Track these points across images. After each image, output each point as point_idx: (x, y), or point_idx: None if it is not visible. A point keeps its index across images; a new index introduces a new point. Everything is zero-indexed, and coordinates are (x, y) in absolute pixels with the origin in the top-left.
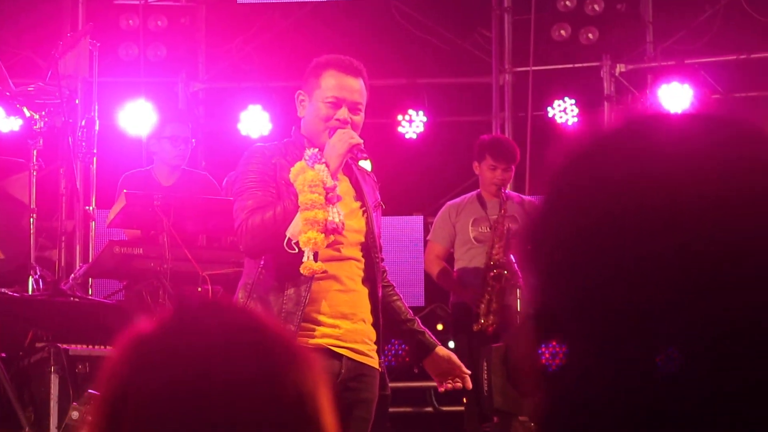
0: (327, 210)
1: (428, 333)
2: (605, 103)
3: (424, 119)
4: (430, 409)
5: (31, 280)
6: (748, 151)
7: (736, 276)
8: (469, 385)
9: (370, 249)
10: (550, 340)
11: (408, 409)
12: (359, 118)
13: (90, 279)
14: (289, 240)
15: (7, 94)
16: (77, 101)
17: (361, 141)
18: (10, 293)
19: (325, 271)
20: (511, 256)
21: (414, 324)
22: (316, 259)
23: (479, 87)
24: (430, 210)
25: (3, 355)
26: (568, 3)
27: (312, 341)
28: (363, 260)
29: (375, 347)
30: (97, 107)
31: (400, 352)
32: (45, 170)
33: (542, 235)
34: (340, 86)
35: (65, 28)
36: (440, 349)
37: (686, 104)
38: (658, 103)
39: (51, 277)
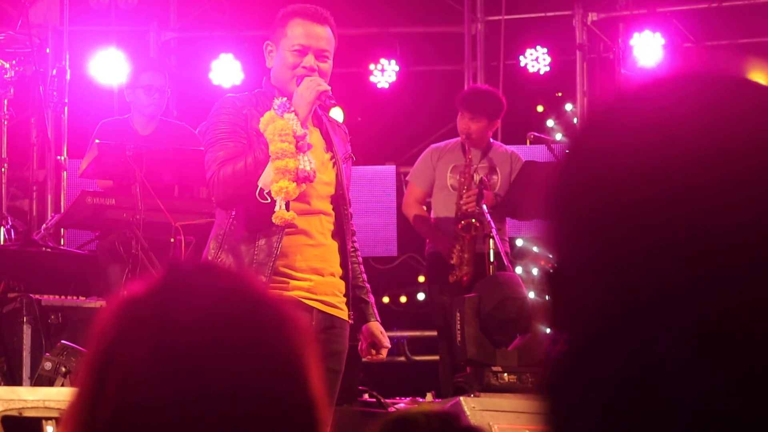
0: (298, 159)
1: (372, 305)
2: (577, 52)
3: (397, 68)
4: (402, 358)
5: (2, 230)
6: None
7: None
8: (382, 356)
9: (339, 202)
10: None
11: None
12: (326, 66)
13: (62, 229)
14: (261, 190)
15: None
16: (48, 50)
17: (329, 88)
18: None
19: (294, 225)
20: (483, 206)
21: (362, 292)
22: (288, 208)
23: (451, 36)
24: (403, 159)
25: None
26: None
27: (283, 293)
28: (333, 213)
29: (344, 299)
30: (68, 56)
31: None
32: (16, 120)
33: (557, 202)
34: (305, 34)
35: None
36: (373, 324)
37: (658, 52)
38: (630, 52)
39: (23, 227)
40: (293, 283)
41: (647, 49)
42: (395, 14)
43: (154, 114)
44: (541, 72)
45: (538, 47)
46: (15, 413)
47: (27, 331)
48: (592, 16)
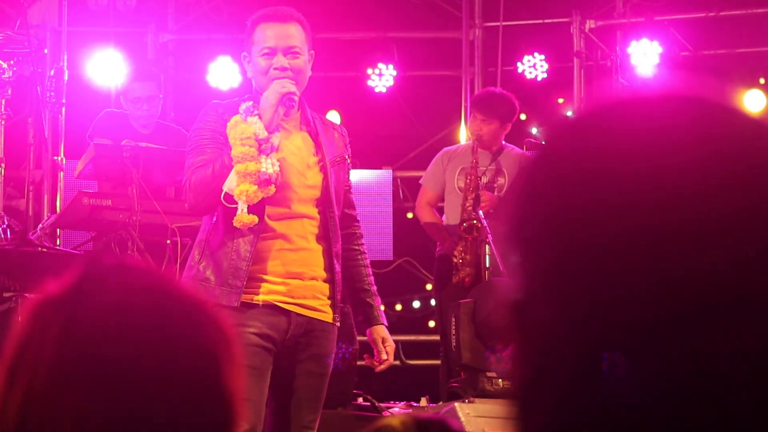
0: (260, 161)
1: (377, 308)
2: (575, 59)
3: (394, 73)
4: (398, 362)
5: None
6: (723, 134)
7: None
8: (382, 367)
9: (326, 205)
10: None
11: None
12: (299, 62)
13: (58, 229)
14: (227, 194)
15: None
16: (46, 51)
17: (294, 89)
18: None
19: (257, 227)
20: (480, 212)
21: (368, 295)
22: (251, 211)
23: (449, 41)
24: (400, 164)
25: None
26: None
27: (258, 297)
28: (318, 217)
29: (328, 302)
30: (66, 57)
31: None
32: (13, 120)
33: (522, 213)
34: (270, 36)
35: None
36: (378, 328)
37: (655, 60)
38: (627, 60)
39: (19, 226)
40: (269, 287)
41: (644, 57)
42: (393, 19)
43: (146, 125)
44: (539, 78)
45: (536, 54)
46: None
47: None
48: (590, 24)
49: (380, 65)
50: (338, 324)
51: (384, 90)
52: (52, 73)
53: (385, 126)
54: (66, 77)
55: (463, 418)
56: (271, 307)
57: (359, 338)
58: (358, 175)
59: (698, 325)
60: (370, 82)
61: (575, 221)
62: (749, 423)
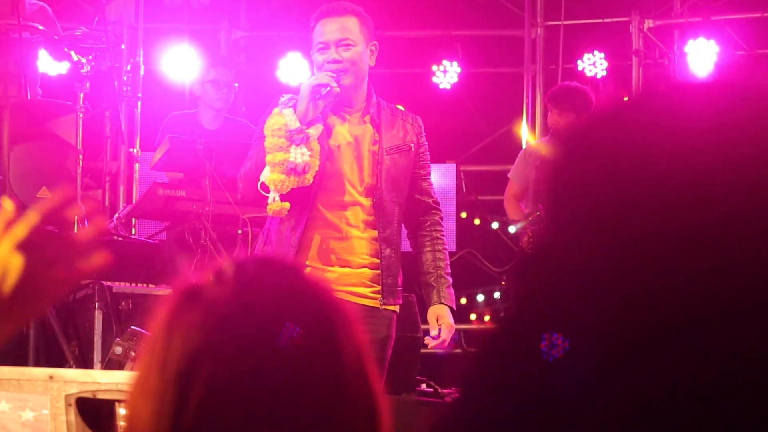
0: (288, 151)
1: (438, 288)
2: (633, 58)
3: (458, 70)
4: (459, 350)
5: (76, 219)
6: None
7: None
8: (433, 344)
9: (377, 192)
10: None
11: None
12: (350, 53)
13: (133, 219)
14: (263, 183)
15: (56, 38)
16: (123, 46)
17: (330, 81)
18: (56, 231)
19: (287, 210)
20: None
21: (430, 277)
22: (283, 199)
23: (512, 40)
24: (463, 158)
25: None
26: None
27: None
28: (370, 204)
29: (377, 288)
30: (142, 52)
31: None
32: (91, 113)
33: (556, 192)
34: (322, 32)
35: None
36: (434, 308)
37: (712, 59)
38: (684, 59)
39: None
40: (318, 274)
41: (701, 56)
42: (458, 17)
43: (222, 108)
44: (598, 76)
45: (596, 52)
46: (89, 395)
47: (98, 317)
48: (649, 23)
49: (445, 62)
50: (392, 308)
51: (448, 86)
52: (128, 68)
53: (449, 121)
54: (142, 72)
55: None
56: None
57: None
58: None
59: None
60: (435, 79)
61: (612, 215)
62: None
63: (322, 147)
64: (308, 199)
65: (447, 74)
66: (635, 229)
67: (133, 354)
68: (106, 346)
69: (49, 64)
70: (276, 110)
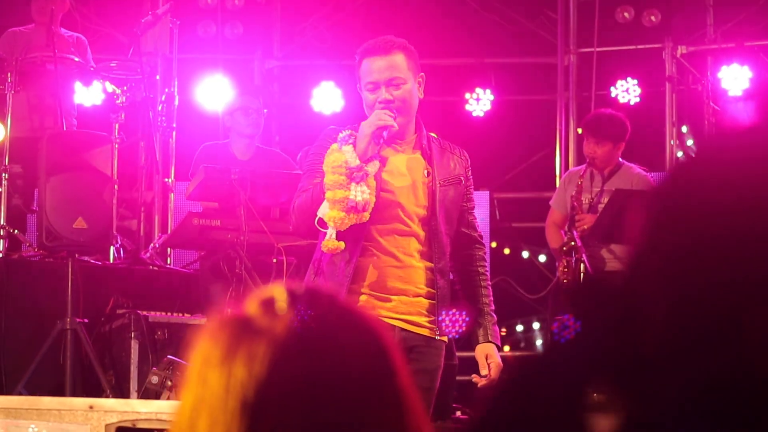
0: (348, 189)
1: (486, 326)
2: (667, 84)
3: (491, 97)
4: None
5: (112, 249)
6: None
7: None
8: (483, 382)
9: (431, 223)
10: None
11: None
12: (401, 92)
13: (169, 248)
14: (320, 219)
15: (91, 69)
16: (157, 77)
17: (390, 122)
18: (92, 261)
19: (341, 250)
20: (574, 232)
21: (479, 315)
22: (337, 237)
23: (545, 67)
24: (496, 185)
25: (85, 321)
26: None
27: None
28: (424, 234)
29: (431, 318)
30: (176, 83)
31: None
32: (126, 143)
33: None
34: (371, 71)
35: (146, 7)
36: (483, 346)
37: (745, 85)
38: (718, 84)
39: (131, 246)
40: (374, 302)
41: (735, 82)
42: (490, 45)
43: (252, 134)
44: (632, 103)
45: (629, 78)
46: (129, 424)
47: (134, 346)
48: (682, 49)
49: (478, 90)
50: (444, 339)
51: (481, 114)
52: (163, 98)
53: (482, 149)
54: (176, 102)
55: None
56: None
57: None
58: None
59: None
60: (468, 107)
61: (718, 251)
62: None
63: (378, 178)
64: (364, 228)
65: (480, 102)
66: (743, 267)
67: (169, 383)
68: (142, 376)
69: (84, 95)
70: (335, 146)
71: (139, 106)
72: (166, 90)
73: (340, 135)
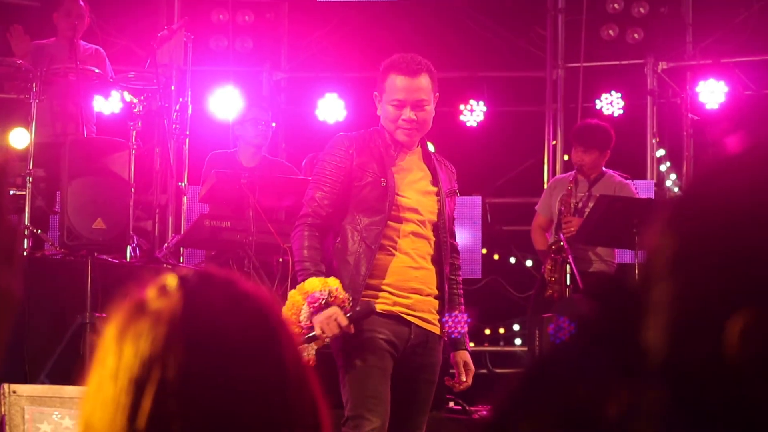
0: (299, 329)
1: (464, 334)
2: (648, 97)
3: (484, 109)
4: (484, 371)
5: (129, 249)
6: None
7: None
8: (461, 388)
9: (440, 230)
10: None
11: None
12: (424, 114)
13: (181, 248)
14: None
15: (110, 79)
16: (172, 87)
17: (334, 335)
18: (110, 260)
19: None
20: (561, 235)
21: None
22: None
23: (534, 80)
24: (488, 191)
25: (104, 315)
26: (616, 5)
27: (386, 307)
28: (434, 240)
29: (437, 317)
30: (190, 93)
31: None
32: (142, 149)
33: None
34: (401, 89)
35: (162, 21)
36: (461, 353)
37: (720, 99)
38: (696, 98)
39: (146, 245)
40: (395, 299)
41: (711, 96)
42: (484, 60)
43: (260, 144)
44: (615, 114)
45: (613, 92)
46: None
47: None
48: (662, 65)
49: (471, 102)
50: (444, 337)
51: (475, 124)
52: (177, 107)
53: (475, 157)
54: (190, 111)
55: None
56: (397, 318)
57: None
58: None
59: None
60: (462, 117)
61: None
62: None
63: (397, 181)
64: (384, 227)
65: (474, 113)
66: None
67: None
68: None
69: (103, 104)
70: (296, 293)
71: (155, 114)
72: (180, 99)
73: (318, 292)
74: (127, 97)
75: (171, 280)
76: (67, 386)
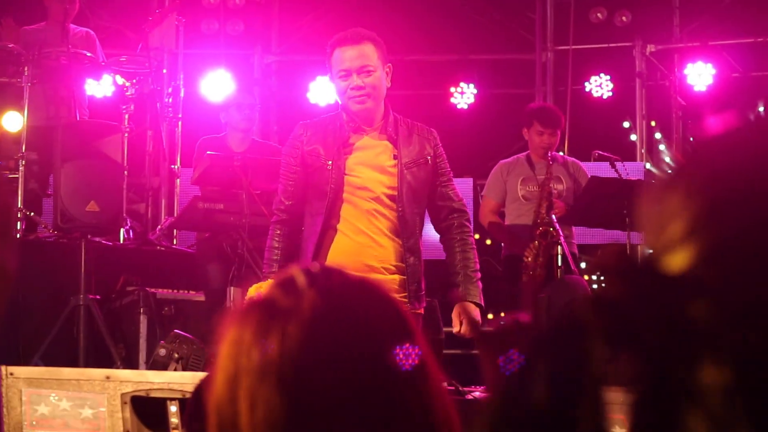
0: None
1: (464, 287)
2: (637, 80)
3: (475, 91)
4: (477, 351)
5: (122, 231)
6: None
7: None
8: (462, 333)
9: (400, 204)
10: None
11: (458, 351)
12: (372, 79)
13: (175, 230)
14: None
15: (102, 63)
16: (164, 71)
17: None
18: (104, 242)
19: None
20: (553, 216)
21: (457, 277)
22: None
23: (524, 63)
24: (479, 172)
25: (97, 297)
26: None
27: None
28: (394, 215)
29: (404, 294)
30: (182, 76)
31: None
32: (135, 132)
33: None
34: (343, 59)
35: (153, 5)
36: (460, 305)
37: (708, 81)
38: (684, 80)
39: (140, 228)
40: None
41: (699, 78)
42: (474, 43)
43: (246, 128)
44: (605, 97)
45: (602, 74)
46: (143, 394)
47: (143, 321)
48: (651, 48)
49: (462, 84)
50: (418, 312)
51: (465, 107)
52: (169, 90)
53: (466, 139)
54: (182, 94)
55: None
56: None
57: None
58: None
59: None
60: (453, 100)
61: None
62: None
63: (347, 162)
64: (335, 211)
65: (464, 95)
66: None
67: (176, 355)
68: (150, 348)
69: (96, 88)
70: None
71: (147, 97)
72: (173, 83)
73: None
74: (120, 80)
75: (298, 276)
76: (65, 368)
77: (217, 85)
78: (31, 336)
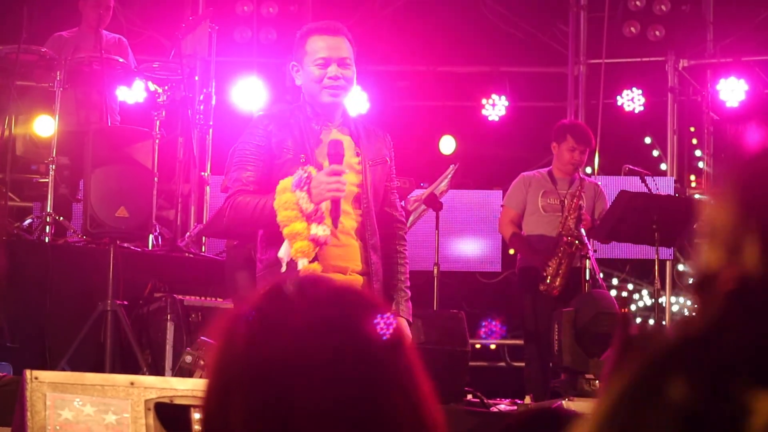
0: (303, 220)
1: (397, 302)
2: (669, 95)
3: (506, 104)
4: (502, 363)
5: (151, 237)
6: None
7: None
8: None
9: (365, 202)
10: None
11: (484, 364)
12: (349, 72)
13: (203, 237)
14: (281, 262)
15: (134, 69)
16: (196, 78)
17: (344, 190)
18: (133, 248)
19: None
20: (582, 230)
21: (394, 290)
22: (312, 261)
23: (556, 76)
24: (509, 185)
25: (125, 303)
26: (638, 2)
27: None
28: (357, 213)
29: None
30: (213, 84)
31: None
32: (166, 139)
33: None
34: (321, 47)
35: (187, 12)
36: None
37: (741, 97)
38: (716, 96)
39: (169, 234)
40: None
41: (732, 94)
42: (506, 55)
43: None
44: (636, 111)
45: (634, 88)
46: (167, 400)
47: (170, 328)
48: (683, 63)
49: (494, 96)
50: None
51: (497, 119)
52: (201, 97)
53: (496, 151)
54: (213, 102)
55: None
56: None
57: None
58: (470, 195)
59: None
60: (484, 111)
61: None
62: None
63: (315, 157)
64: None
65: (495, 107)
66: None
67: (202, 362)
68: (176, 355)
69: (127, 94)
70: (286, 183)
71: (179, 104)
72: (204, 90)
73: (296, 175)
74: (152, 86)
75: (288, 287)
76: (89, 373)
77: (249, 93)
78: (58, 340)
